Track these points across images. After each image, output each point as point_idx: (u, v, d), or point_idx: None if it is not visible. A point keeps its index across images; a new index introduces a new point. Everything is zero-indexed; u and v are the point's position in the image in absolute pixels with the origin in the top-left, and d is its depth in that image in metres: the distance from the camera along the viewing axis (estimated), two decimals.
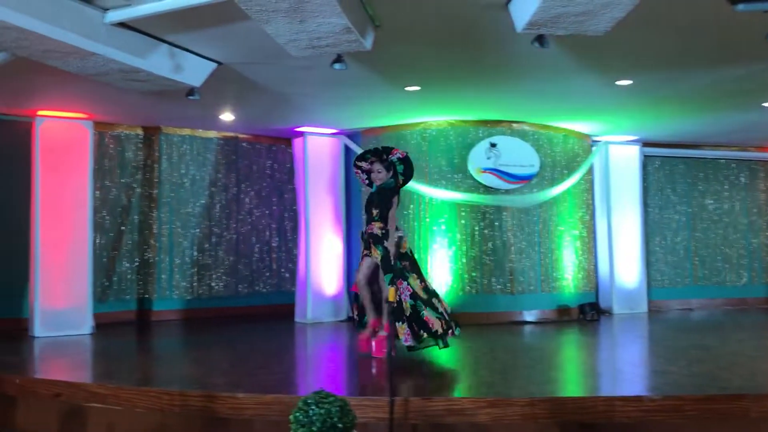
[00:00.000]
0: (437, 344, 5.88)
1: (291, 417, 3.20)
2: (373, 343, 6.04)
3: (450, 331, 5.97)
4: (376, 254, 5.98)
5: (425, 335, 5.79)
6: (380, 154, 6.20)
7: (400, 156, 6.21)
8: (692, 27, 5.52)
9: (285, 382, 5.31)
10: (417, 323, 5.76)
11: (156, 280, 9.40)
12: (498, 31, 5.53)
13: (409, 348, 5.86)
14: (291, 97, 7.78)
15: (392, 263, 5.79)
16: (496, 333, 8.10)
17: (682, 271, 11.20)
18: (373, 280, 6.12)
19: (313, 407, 3.12)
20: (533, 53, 5.71)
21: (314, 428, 3.07)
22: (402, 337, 5.77)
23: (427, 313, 5.78)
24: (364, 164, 6.34)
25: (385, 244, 5.94)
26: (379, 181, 6.17)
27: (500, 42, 5.88)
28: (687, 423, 4.26)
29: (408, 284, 5.85)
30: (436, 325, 5.79)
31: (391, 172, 6.20)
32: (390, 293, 4.29)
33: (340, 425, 3.13)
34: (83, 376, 5.84)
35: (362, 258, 6.20)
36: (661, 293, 11.01)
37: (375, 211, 6.09)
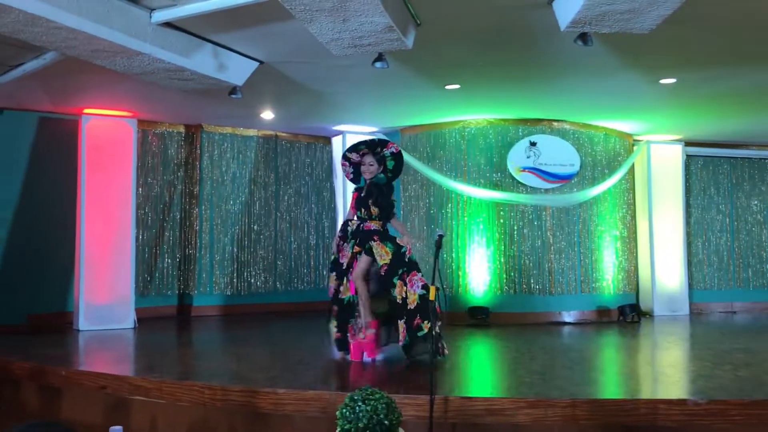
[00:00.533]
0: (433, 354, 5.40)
1: (337, 413, 3.22)
2: (365, 347, 5.81)
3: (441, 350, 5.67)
4: (385, 251, 5.63)
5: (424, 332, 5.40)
6: (374, 146, 5.85)
7: (394, 151, 5.89)
8: (739, 25, 5.42)
9: (324, 379, 5.34)
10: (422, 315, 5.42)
11: (197, 275, 9.54)
12: (540, 29, 5.49)
13: (405, 347, 5.57)
14: (331, 95, 7.83)
15: (406, 259, 5.59)
16: (534, 333, 8.04)
17: (725, 273, 10.98)
18: (366, 279, 5.82)
19: (359, 404, 3.13)
20: (575, 51, 5.67)
21: (360, 425, 3.09)
22: (400, 335, 5.54)
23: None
24: (354, 156, 5.93)
25: (399, 240, 5.66)
26: (369, 174, 5.80)
27: (542, 40, 5.84)
28: (733, 428, 4.17)
29: (421, 276, 5.59)
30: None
31: (381, 167, 5.86)
32: (431, 292, 4.26)
33: (386, 422, 3.14)
34: (127, 370, 5.94)
35: (351, 256, 5.79)
36: (703, 295, 10.81)
37: (374, 209, 5.75)
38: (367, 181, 5.86)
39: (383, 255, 5.64)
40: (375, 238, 5.72)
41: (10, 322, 8.15)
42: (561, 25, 4.85)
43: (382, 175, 5.87)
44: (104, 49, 5.25)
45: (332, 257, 6.06)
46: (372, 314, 5.81)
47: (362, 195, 5.83)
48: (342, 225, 6.04)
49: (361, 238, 5.76)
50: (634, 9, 4.41)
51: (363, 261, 5.77)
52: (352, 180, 6.06)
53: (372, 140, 5.94)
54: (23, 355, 6.22)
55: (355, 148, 5.95)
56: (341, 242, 5.89)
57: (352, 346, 5.87)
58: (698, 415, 4.21)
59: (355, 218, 5.84)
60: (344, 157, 6.01)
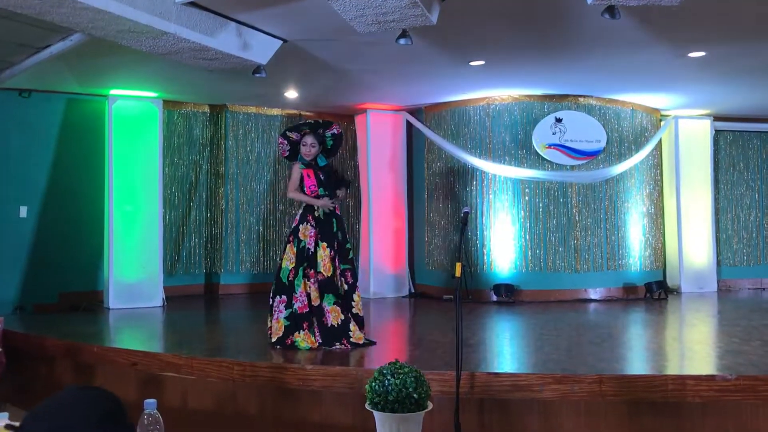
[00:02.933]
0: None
1: (367, 386, 3.26)
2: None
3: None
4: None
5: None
6: (317, 126, 5.80)
7: (335, 132, 5.84)
8: None
9: (350, 355, 5.38)
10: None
11: (223, 255, 9.64)
12: (566, 3, 5.41)
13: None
14: (354, 73, 7.81)
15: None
16: (561, 311, 8.02)
17: (754, 249, 10.84)
18: None
19: (389, 377, 3.16)
20: (602, 25, 5.58)
21: (390, 398, 3.12)
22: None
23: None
24: (293, 135, 5.80)
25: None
26: (309, 155, 5.71)
27: (568, 14, 5.76)
28: (762, 404, 4.15)
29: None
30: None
31: (321, 147, 5.78)
32: (457, 269, 4.25)
33: (415, 395, 3.17)
34: (157, 346, 6.05)
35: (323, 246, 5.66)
36: (731, 272, 10.70)
37: (340, 192, 5.82)
38: (311, 163, 5.77)
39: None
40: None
41: (42, 301, 8.32)
42: None
43: (322, 155, 5.82)
44: (130, 30, 5.27)
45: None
46: None
47: (321, 176, 5.75)
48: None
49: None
50: None
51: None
52: (287, 157, 5.97)
53: (316, 121, 5.94)
54: (57, 333, 6.36)
55: (296, 128, 5.88)
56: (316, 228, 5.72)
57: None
58: (727, 390, 4.19)
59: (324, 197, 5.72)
60: (283, 135, 5.91)
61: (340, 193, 5.89)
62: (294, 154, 5.88)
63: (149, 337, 6.79)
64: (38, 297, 8.34)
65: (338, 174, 6.00)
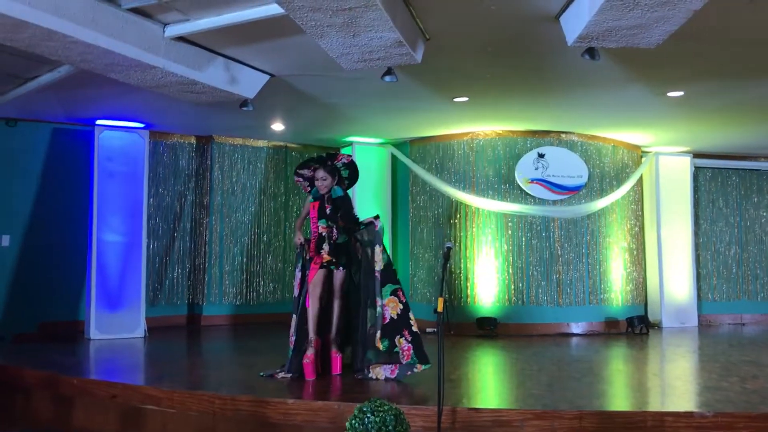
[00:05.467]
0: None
1: (347, 424, 3.26)
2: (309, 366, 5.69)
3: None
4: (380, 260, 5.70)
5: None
6: (324, 160, 5.93)
7: (345, 161, 6.01)
8: (744, 38, 5.45)
9: (333, 390, 5.38)
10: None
11: (206, 285, 9.61)
12: (548, 43, 5.55)
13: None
14: (340, 107, 7.90)
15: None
16: (543, 345, 8.06)
17: (734, 285, 10.96)
18: (324, 293, 5.84)
19: (369, 415, 3.17)
20: (583, 65, 5.71)
21: None
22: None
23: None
24: (306, 172, 6.01)
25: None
26: (324, 188, 5.83)
27: (550, 54, 5.90)
28: None
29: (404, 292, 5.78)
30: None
31: (336, 179, 5.89)
32: (439, 303, 4.29)
33: None
34: (138, 379, 6.01)
35: (309, 268, 5.82)
36: (712, 307, 10.81)
37: (341, 222, 5.80)
38: (325, 195, 5.87)
39: (379, 263, 5.76)
40: (359, 245, 5.95)
41: (22, 330, 8.24)
42: (568, 40, 4.90)
43: (338, 187, 5.90)
44: (119, 63, 5.34)
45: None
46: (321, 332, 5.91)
47: (327, 210, 5.82)
48: (317, 237, 5.87)
49: (331, 248, 5.82)
50: (641, 25, 4.46)
51: (320, 274, 5.80)
52: (310, 192, 6.08)
53: (321, 156, 6.05)
54: (35, 363, 6.30)
55: (305, 164, 6.04)
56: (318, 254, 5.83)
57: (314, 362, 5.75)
58: (705, 427, 4.24)
59: (321, 230, 5.82)
60: (296, 173, 6.10)
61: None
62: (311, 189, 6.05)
63: (130, 369, 6.73)
64: (18, 326, 8.25)
65: (341, 202, 5.89)
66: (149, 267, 9.09)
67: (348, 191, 6.08)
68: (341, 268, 5.84)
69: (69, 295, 8.70)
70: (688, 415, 4.32)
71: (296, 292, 5.97)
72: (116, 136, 8.58)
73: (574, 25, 4.74)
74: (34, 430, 5.58)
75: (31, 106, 7.77)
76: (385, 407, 3.26)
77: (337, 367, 5.86)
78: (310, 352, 5.68)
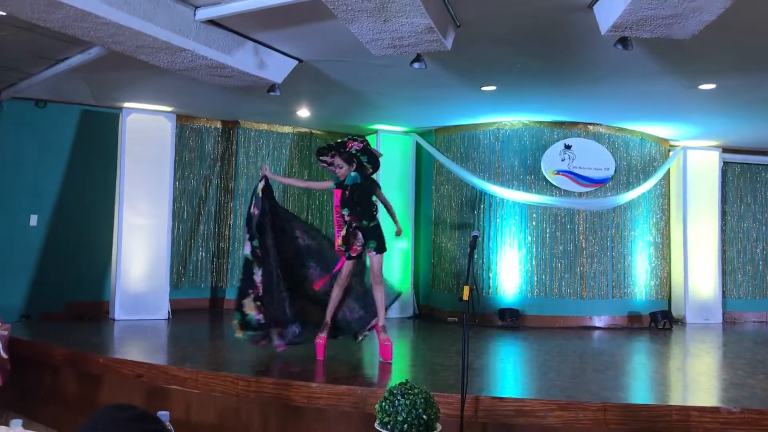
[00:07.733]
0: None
1: (377, 406, 3.27)
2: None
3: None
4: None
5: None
6: (337, 147, 5.94)
7: (358, 147, 5.90)
8: None
9: (356, 374, 5.39)
10: None
11: (229, 269, 9.67)
12: (580, 33, 5.48)
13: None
14: (367, 94, 7.88)
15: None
16: (565, 337, 8.02)
17: (760, 282, 10.81)
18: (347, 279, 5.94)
19: (399, 398, 3.18)
20: (614, 55, 5.65)
21: (399, 418, 3.13)
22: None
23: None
24: (327, 158, 6.05)
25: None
26: (342, 175, 5.91)
27: (581, 43, 5.83)
28: None
29: None
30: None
31: (354, 165, 5.91)
32: (465, 291, 4.27)
33: (425, 417, 3.18)
34: (162, 359, 6.07)
35: (343, 254, 5.88)
36: (737, 304, 10.66)
37: (358, 208, 5.85)
38: (344, 182, 5.94)
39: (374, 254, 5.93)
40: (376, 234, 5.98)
41: (49, 309, 8.35)
42: (602, 28, 4.84)
43: (356, 173, 5.92)
44: (149, 45, 5.36)
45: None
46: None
47: (347, 196, 5.89)
48: (351, 220, 5.92)
49: (357, 235, 5.87)
50: (677, 14, 4.38)
51: (377, 259, 5.88)
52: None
53: (336, 142, 6.03)
54: (62, 341, 6.39)
55: (324, 150, 6.07)
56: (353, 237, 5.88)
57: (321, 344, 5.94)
58: (731, 423, 4.19)
59: (346, 218, 5.89)
60: (319, 159, 6.15)
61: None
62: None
63: (154, 350, 6.81)
64: (45, 306, 8.37)
65: (359, 189, 5.94)
66: (173, 250, 9.16)
67: (373, 176, 6.10)
68: (373, 252, 5.86)
69: (94, 275, 8.80)
70: (713, 410, 4.28)
71: (248, 249, 6.37)
72: (143, 119, 8.65)
73: (608, 13, 4.67)
74: (61, 406, 5.66)
75: (60, 88, 7.84)
76: (416, 390, 3.26)
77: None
78: (323, 334, 5.87)
